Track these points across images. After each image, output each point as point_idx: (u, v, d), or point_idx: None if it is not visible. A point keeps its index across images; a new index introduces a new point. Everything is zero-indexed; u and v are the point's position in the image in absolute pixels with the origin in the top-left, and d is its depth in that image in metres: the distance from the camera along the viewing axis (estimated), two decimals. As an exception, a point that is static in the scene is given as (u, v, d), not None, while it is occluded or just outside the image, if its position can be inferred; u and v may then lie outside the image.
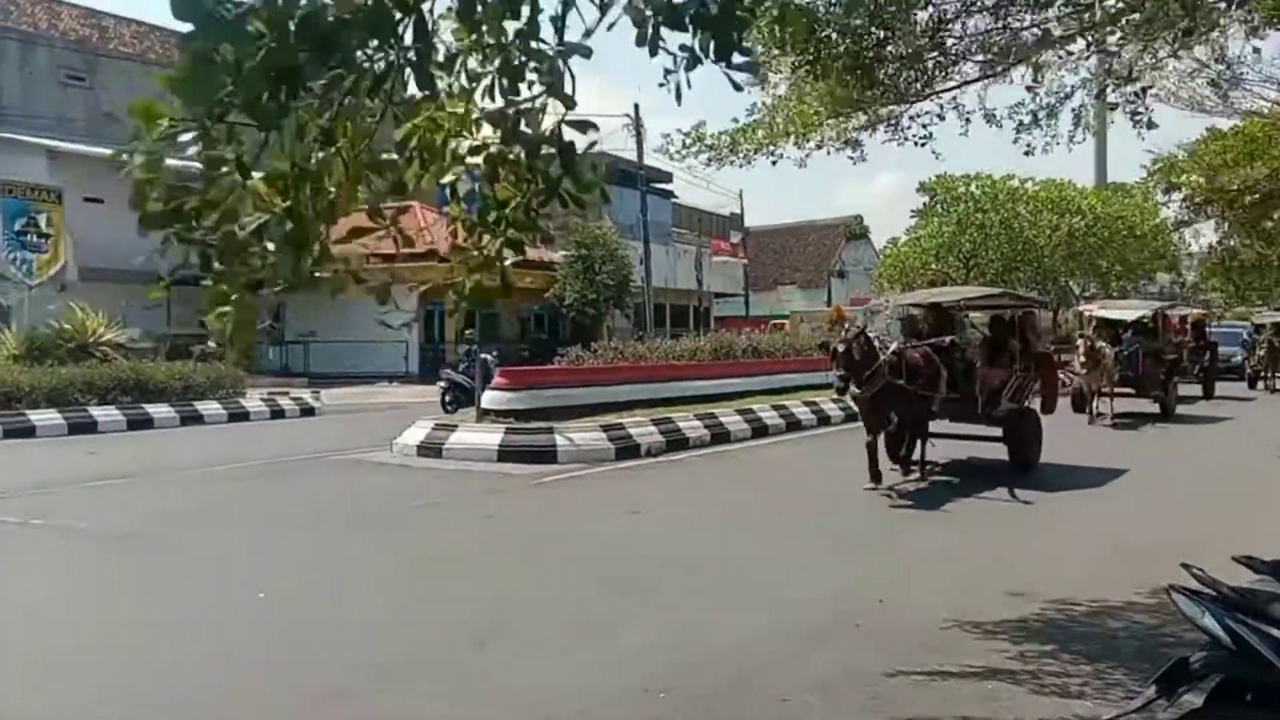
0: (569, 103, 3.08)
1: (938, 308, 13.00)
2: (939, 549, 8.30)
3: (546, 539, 8.94)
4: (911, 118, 8.78)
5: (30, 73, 30.73)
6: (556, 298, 31.73)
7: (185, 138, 2.77)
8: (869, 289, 46.17)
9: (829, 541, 8.72)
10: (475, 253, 3.61)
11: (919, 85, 8.48)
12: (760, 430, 16.78)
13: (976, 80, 8.80)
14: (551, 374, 18.10)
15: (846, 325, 12.32)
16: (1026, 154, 9.17)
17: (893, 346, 11.20)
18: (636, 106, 33.60)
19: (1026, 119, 8.84)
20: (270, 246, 2.94)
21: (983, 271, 37.77)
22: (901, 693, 4.97)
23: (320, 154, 2.98)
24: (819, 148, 8.99)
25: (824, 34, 7.35)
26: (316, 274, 3.15)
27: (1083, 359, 18.34)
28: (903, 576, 7.37)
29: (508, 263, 3.62)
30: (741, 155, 9.07)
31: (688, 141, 9.26)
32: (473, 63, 3.10)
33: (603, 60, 3.12)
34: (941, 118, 8.71)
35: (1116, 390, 19.48)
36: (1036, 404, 12.79)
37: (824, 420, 18.29)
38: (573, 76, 3.02)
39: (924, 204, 41.49)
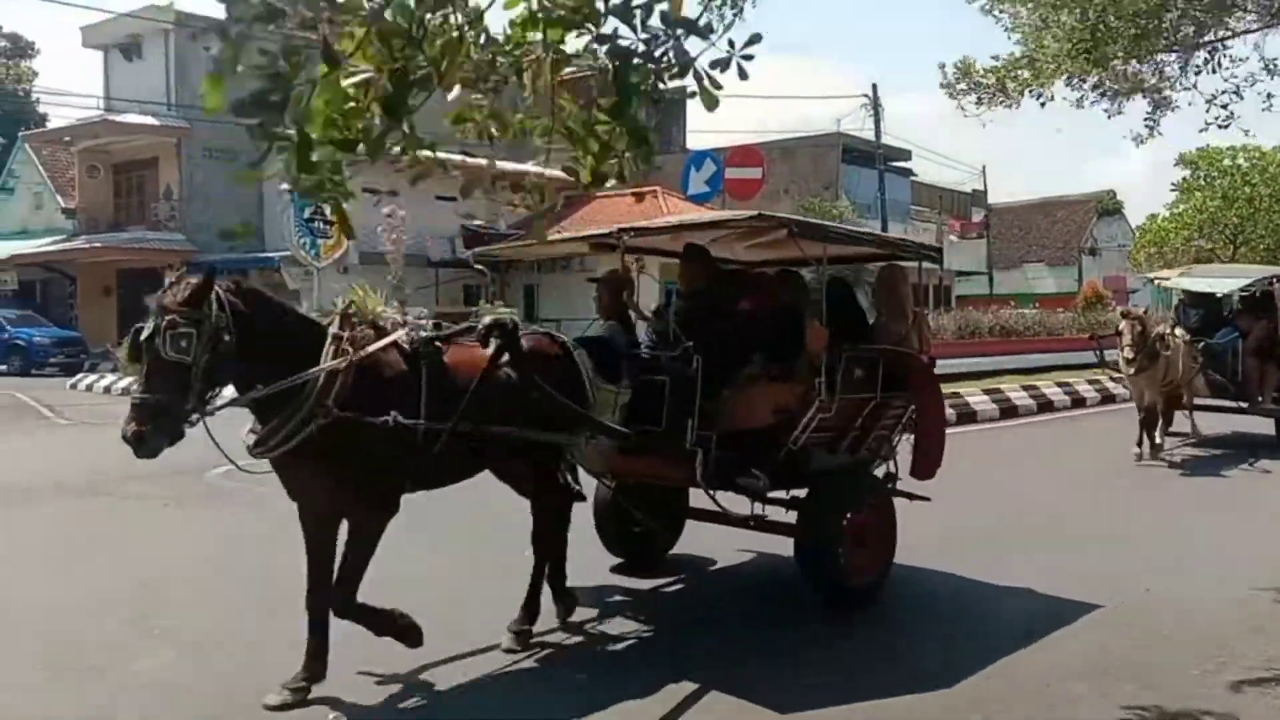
0: None
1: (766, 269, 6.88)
2: (1211, 538, 7.92)
3: (775, 511, 9.02)
4: (1209, 100, 8.05)
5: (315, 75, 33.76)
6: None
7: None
8: (1124, 267, 43.48)
9: (1089, 525, 8.42)
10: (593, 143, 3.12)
11: (1190, 32, 7.80)
12: (1009, 411, 16.36)
13: (1255, 30, 8.05)
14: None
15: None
16: None
17: (397, 334, 4.88)
18: (875, 86, 33.08)
19: None
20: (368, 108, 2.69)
21: (1253, 248, 34.98)
22: (1174, 686, 4.75)
23: (437, 16, 2.74)
24: (1095, 89, 8.15)
25: None
26: (403, 150, 2.87)
27: (1127, 354, 11.23)
28: (1171, 565, 7.03)
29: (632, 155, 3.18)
30: (1011, 96, 8.33)
31: (957, 76, 8.64)
32: None
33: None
34: (1240, 96, 7.94)
35: (1204, 402, 12.97)
36: (896, 462, 6.54)
37: (1079, 402, 17.64)
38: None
39: (1184, 178, 38.71)
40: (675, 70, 2.93)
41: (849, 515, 5.91)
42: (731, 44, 2.93)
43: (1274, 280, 13.26)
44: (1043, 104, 8.30)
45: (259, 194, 31.58)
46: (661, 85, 3.02)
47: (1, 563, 7.05)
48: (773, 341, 6.01)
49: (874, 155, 33.43)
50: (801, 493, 6.10)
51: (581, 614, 5.75)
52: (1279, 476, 10.98)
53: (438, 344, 4.97)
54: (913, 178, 39.45)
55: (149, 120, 30.25)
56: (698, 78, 2.93)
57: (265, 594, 6.10)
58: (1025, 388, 17.63)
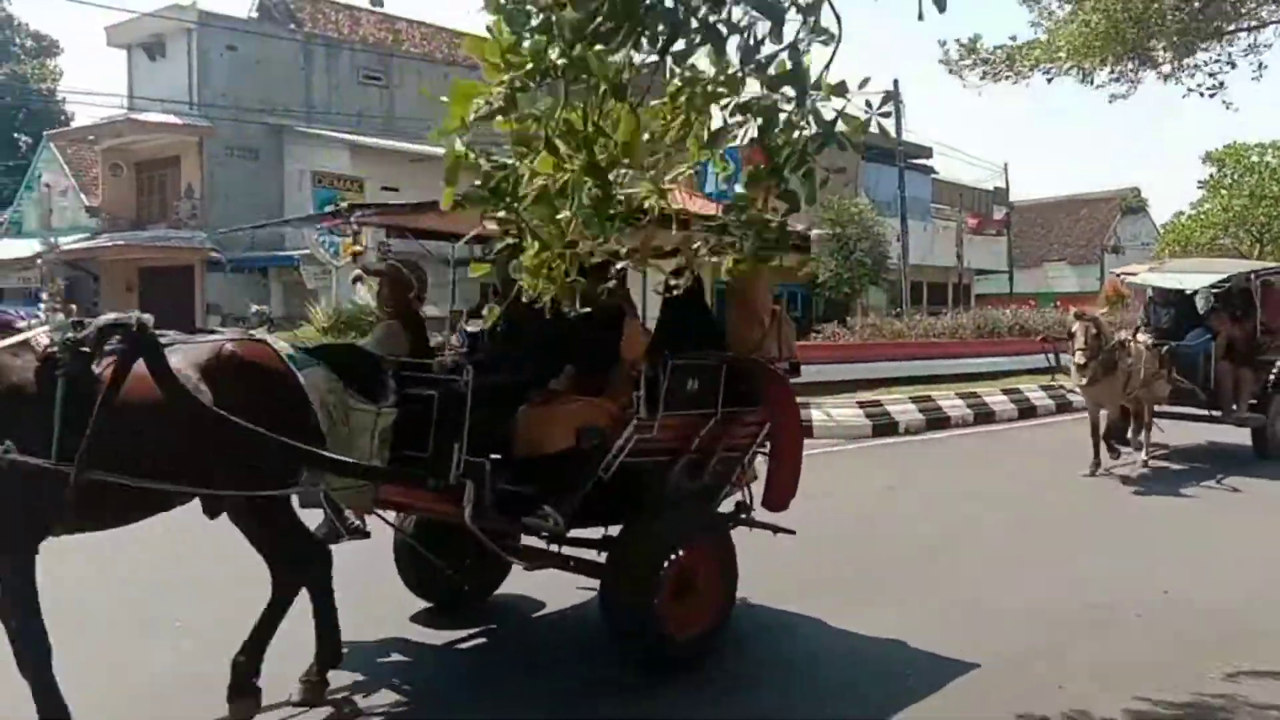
0: (829, 38, 2.88)
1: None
2: (1228, 539, 7.85)
3: (804, 513, 8.87)
4: (1197, 66, 8.06)
5: (335, 74, 33.84)
6: (810, 276, 31.64)
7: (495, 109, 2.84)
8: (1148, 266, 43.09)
9: (1105, 526, 8.36)
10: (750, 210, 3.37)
11: (1204, 23, 7.82)
12: (1028, 411, 16.26)
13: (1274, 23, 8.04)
14: (807, 350, 18.28)
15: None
16: None
17: (31, 334, 3.82)
18: (896, 82, 32.75)
19: None
20: (576, 205, 2.95)
21: (1280, 248, 34.63)
22: (1194, 689, 4.69)
23: (610, 106, 2.92)
24: (1103, 64, 8.22)
25: None
26: (619, 228, 3.13)
27: (1079, 359, 10.08)
28: (1188, 567, 6.97)
29: (784, 217, 3.42)
30: (1017, 71, 8.38)
31: (962, 53, 8.69)
32: (737, 12, 2.89)
33: (862, 35, 3.17)
34: (1232, 65, 7.91)
35: (1170, 409, 11.69)
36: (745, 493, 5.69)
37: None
38: (836, 15, 2.85)
39: (1210, 175, 38.32)
40: (820, 141, 3.11)
41: (672, 557, 4.78)
42: (869, 104, 3.13)
43: (1251, 276, 11.98)
44: (1050, 79, 8.39)
45: (280, 193, 31.77)
46: (809, 156, 3.15)
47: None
48: (591, 348, 5.13)
49: (894, 152, 33.18)
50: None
51: (359, 673, 4.82)
52: (1250, 496, 9.93)
53: (85, 349, 3.72)
54: (934, 175, 39.21)
55: (171, 119, 30.45)
56: (840, 146, 3.14)
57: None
58: (1044, 388, 17.49)
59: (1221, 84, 8.01)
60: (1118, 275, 15.20)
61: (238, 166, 31.06)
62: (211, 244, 30.03)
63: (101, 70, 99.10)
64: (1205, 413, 11.66)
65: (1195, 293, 12.12)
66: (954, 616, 5.89)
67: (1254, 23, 7.98)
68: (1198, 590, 6.37)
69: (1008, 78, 8.53)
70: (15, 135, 48.11)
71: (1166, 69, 8.22)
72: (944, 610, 6.01)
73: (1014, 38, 8.67)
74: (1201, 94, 8.13)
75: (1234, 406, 11.51)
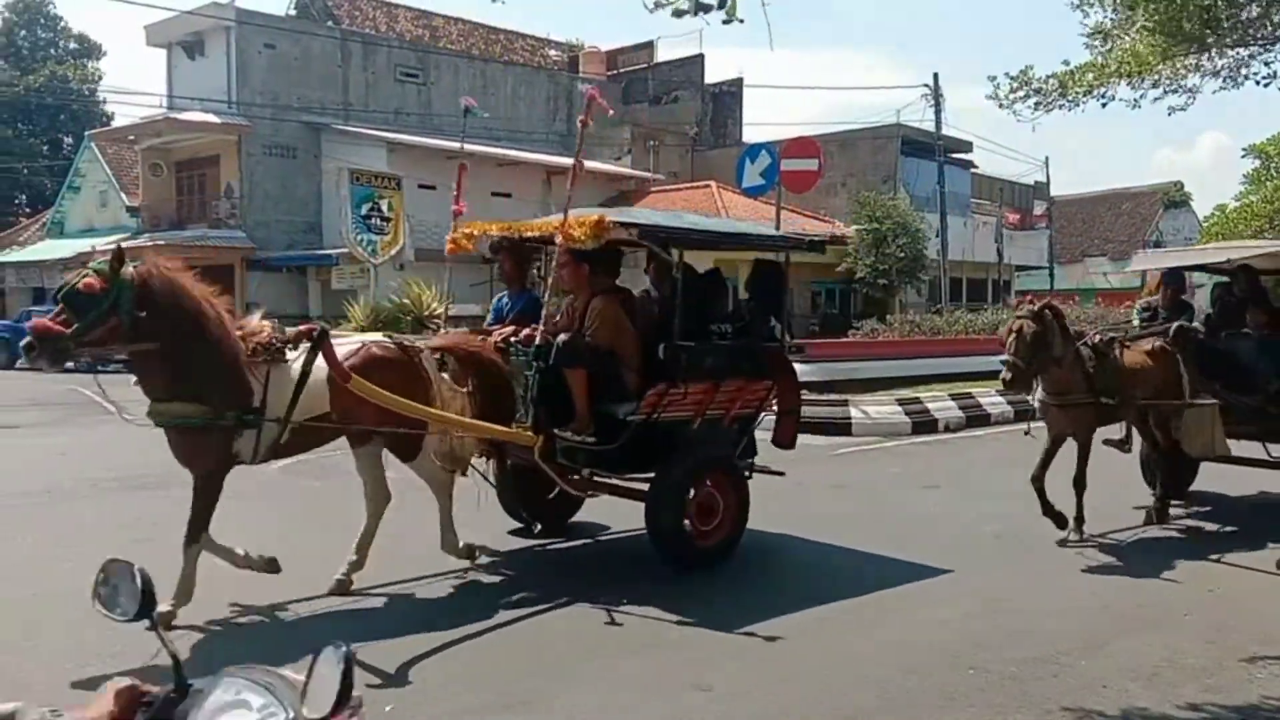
0: None
1: None
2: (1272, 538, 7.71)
3: (845, 510, 8.92)
4: (1252, 55, 7.99)
5: (372, 72, 33.99)
6: (848, 272, 31.42)
7: None
8: (1192, 260, 42.34)
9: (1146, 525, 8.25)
10: None
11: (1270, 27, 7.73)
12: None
13: None
14: (845, 347, 18.22)
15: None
16: None
17: None
18: (936, 76, 32.38)
19: None
20: None
21: (1329, 241, 33.93)
22: (1239, 688, 4.63)
23: None
24: (1154, 86, 8.26)
25: None
26: None
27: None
28: (1234, 568, 6.85)
29: None
30: (1070, 99, 8.46)
31: (1014, 85, 8.75)
32: None
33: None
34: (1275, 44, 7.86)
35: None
36: None
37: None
38: None
39: (1254, 168, 37.69)
40: None
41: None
42: None
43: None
44: (1104, 105, 8.40)
45: (318, 192, 32.01)
46: None
47: (63, 554, 7.16)
48: None
49: (934, 147, 32.86)
50: None
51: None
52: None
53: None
54: (973, 170, 38.78)
55: (210, 118, 30.73)
56: None
57: (319, 585, 6.22)
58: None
59: (1276, 74, 7.94)
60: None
61: (276, 165, 31.33)
62: (251, 242, 30.35)
63: (141, 69, 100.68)
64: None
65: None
66: (997, 611, 5.82)
67: None
68: (1243, 589, 6.28)
69: (1061, 106, 8.58)
70: (58, 135, 48.93)
71: (1225, 62, 8.14)
72: (987, 605, 5.93)
73: (1067, 62, 8.64)
74: (1258, 82, 8.05)
75: None
